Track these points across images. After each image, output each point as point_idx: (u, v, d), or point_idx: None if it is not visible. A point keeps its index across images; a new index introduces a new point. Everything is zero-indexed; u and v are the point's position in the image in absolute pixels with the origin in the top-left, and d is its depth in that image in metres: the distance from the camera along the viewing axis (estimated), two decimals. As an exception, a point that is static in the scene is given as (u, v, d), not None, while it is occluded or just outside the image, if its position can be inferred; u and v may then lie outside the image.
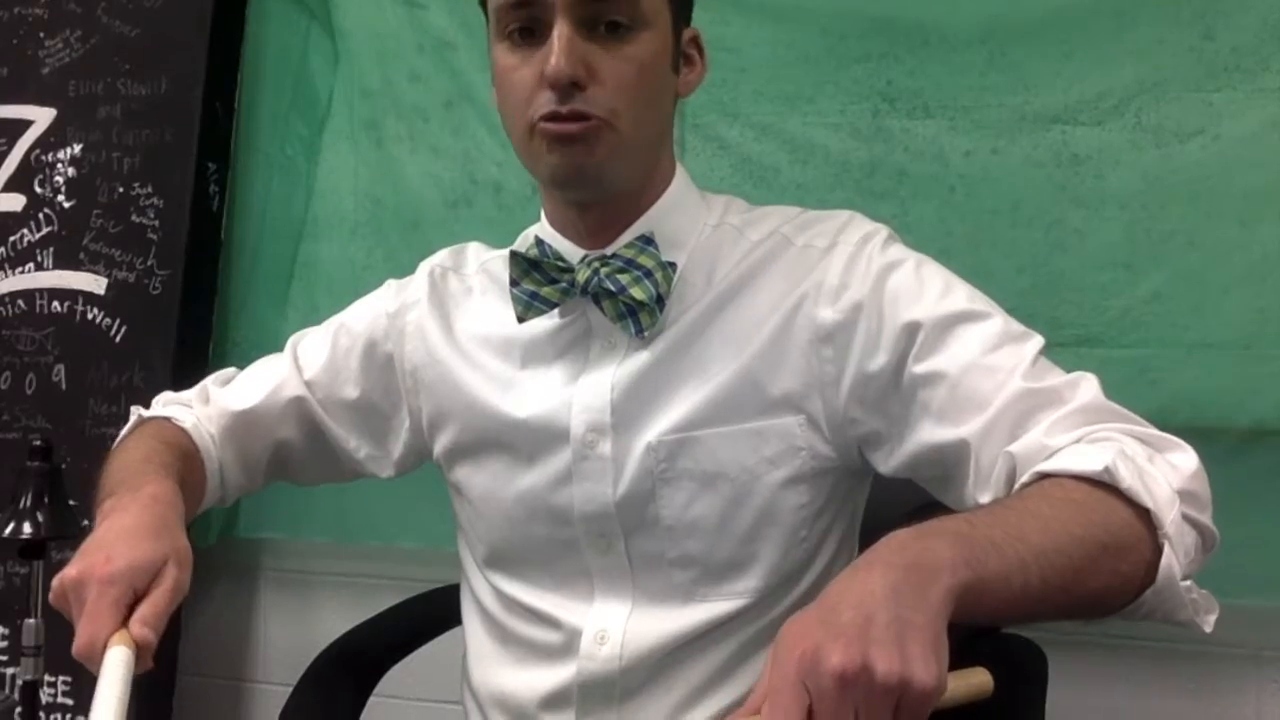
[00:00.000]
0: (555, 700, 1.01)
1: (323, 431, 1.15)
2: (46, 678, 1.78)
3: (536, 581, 1.04)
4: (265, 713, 1.95)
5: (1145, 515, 0.77)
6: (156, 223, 1.90)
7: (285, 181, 1.89)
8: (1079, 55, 1.53)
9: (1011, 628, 1.22)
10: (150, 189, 1.91)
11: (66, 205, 1.95)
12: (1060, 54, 1.53)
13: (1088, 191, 1.52)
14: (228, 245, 1.94)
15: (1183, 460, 0.82)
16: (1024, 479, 0.81)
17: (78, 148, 1.95)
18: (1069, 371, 0.90)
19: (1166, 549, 0.76)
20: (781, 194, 1.62)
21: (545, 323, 1.03)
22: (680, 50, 1.00)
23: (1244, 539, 1.31)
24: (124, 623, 0.85)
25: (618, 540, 0.99)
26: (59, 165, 1.96)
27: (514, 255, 1.01)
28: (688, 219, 1.03)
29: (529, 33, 0.94)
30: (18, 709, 1.44)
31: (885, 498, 1.07)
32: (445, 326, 1.10)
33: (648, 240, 0.99)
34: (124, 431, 1.14)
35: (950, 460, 0.90)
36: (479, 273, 1.13)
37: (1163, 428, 0.85)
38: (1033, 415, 0.85)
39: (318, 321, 1.20)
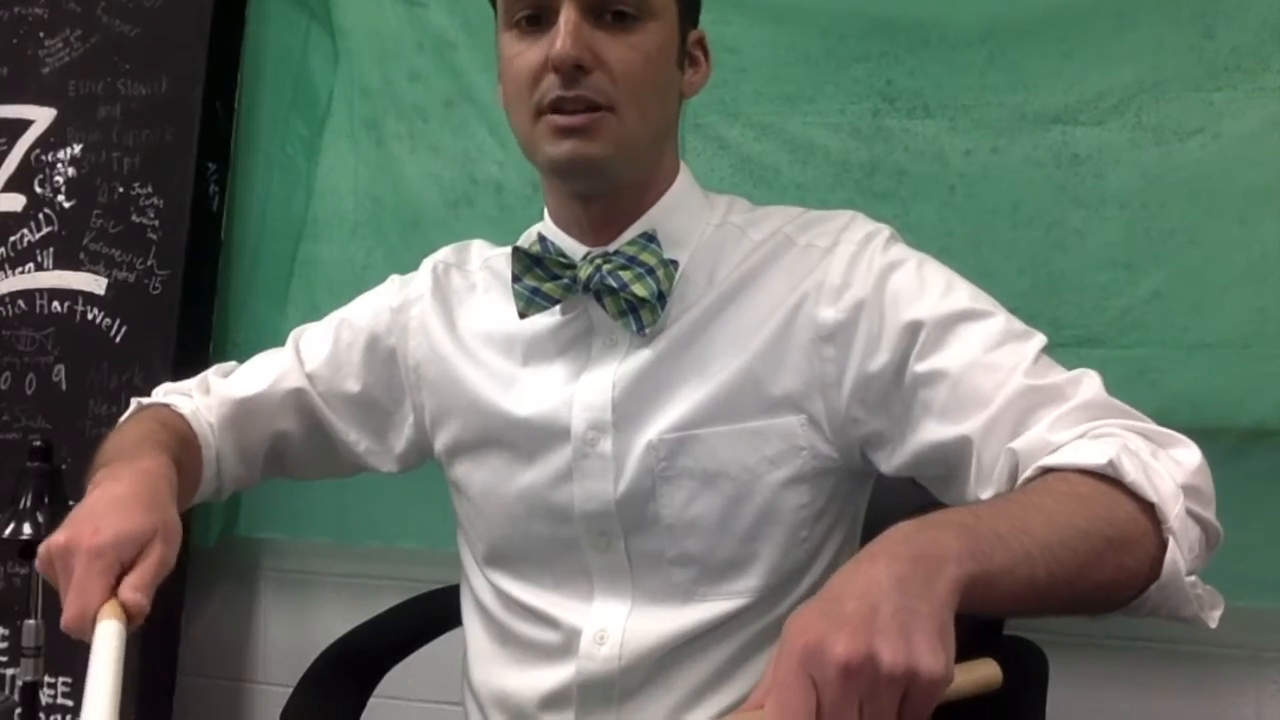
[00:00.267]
0: (555, 700, 1.01)
1: (322, 424, 1.15)
2: (46, 679, 1.78)
3: (536, 580, 1.04)
4: (265, 713, 1.95)
5: (1149, 510, 0.76)
6: (156, 223, 1.89)
7: (285, 181, 1.89)
8: (1079, 55, 1.53)
9: (1012, 628, 1.22)
10: (150, 189, 1.91)
11: (66, 205, 1.95)
12: (1060, 54, 1.53)
13: (1088, 191, 1.52)
14: (228, 245, 1.94)
15: (1186, 455, 0.82)
16: (1027, 474, 0.81)
17: (78, 148, 1.95)
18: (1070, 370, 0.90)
19: (1171, 543, 0.76)
20: (782, 194, 1.62)
21: (547, 319, 1.03)
22: (686, 49, 1.01)
23: (1244, 540, 1.30)
24: (112, 592, 0.85)
25: (617, 539, 0.99)
26: (59, 165, 1.96)
27: (516, 251, 1.01)
28: (691, 217, 1.03)
29: (536, 20, 0.95)
30: (17, 710, 1.44)
31: (887, 499, 1.07)
32: (448, 323, 1.10)
33: (650, 237, 0.99)
34: (123, 418, 1.14)
35: (952, 458, 0.90)
36: (482, 269, 1.13)
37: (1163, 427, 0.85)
38: (1035, 412, 0.85)
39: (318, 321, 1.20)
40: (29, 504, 1.39)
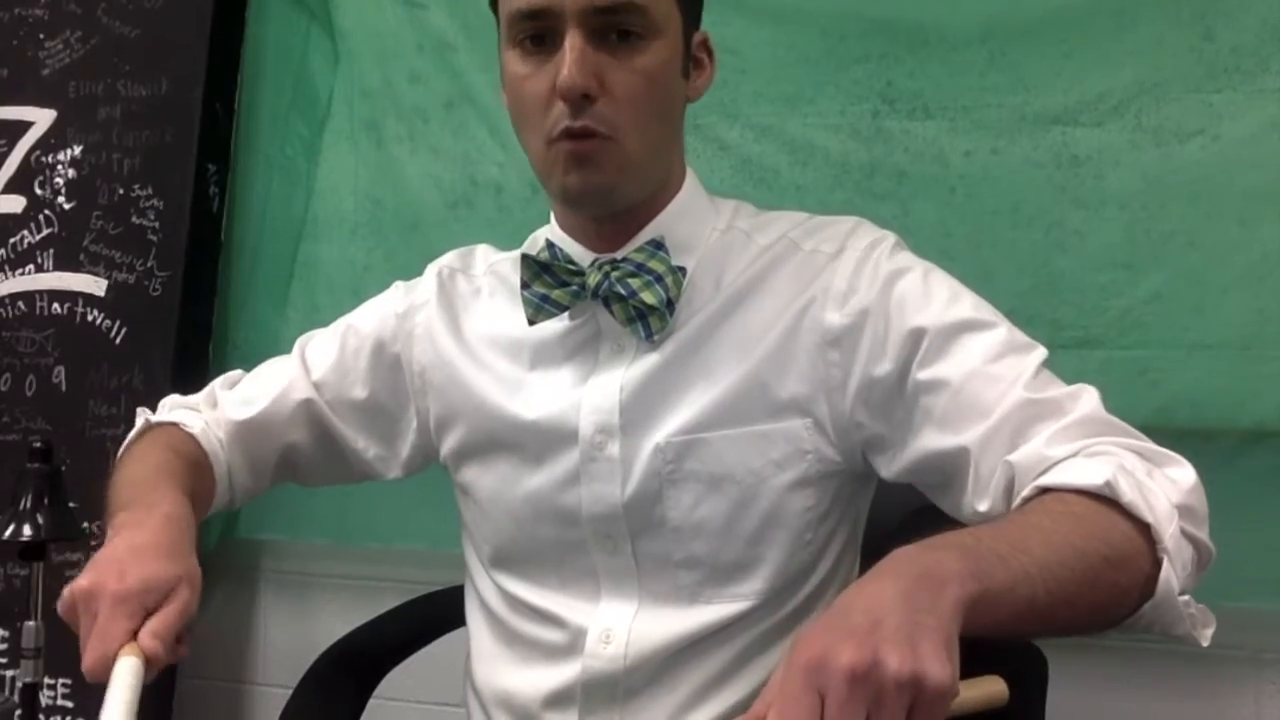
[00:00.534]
0: (558, 699, 1.01)
1: (331, 433, 1.15)
2: (46, 680, 1.78)
3: (542, 581, 1.04)
4: (265, 715, 1.95)
5: (1144, 529, 0.78)
6: (156, 224, 1.89)
7: (285, 182, 1.89)
8: (1079, 55, 1.53)
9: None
10: (150, 190, 1.91)
11: (66, 207, 1.95)
12: (1060, 54, 1.53)
13: (1088, 192, 1.52)
14: (228, 246, 1.94)
15: (1181, 475, 0.83)
16: (1024, 493, 0.82)
17: (78, 149, 1.95)
18: (1069, 376, 0.91)
19: (1165, 563, 0.77)
20: (782, 195, 1.62)
21: (554, 325, 1.03)
22: (690, 55, 1.01)
23: (1244, 541, 1.31)
24: (133, 637, 0.85)
25: (625, 541, 1.00)
26: (59, 167, 1.95)
27: (525, 258, 1.02)
28: (697, 223, 1.03)
29: (540, 40, 0.94)
30: (17, 711, 1.44)
31: (885, 503, 1.08)
32: (454, 328, 1.10)
33: (658, 245, 0.99)
34: (131, 436, 1.13)
35: (950, 467, 0.91)
36: (487, 274, 1.13)
37: (1163, 429, 0.86)
38: (1033, 425, 0.86)
39: (318, 322, 1.20)
40: (29, 505, 1.38)
